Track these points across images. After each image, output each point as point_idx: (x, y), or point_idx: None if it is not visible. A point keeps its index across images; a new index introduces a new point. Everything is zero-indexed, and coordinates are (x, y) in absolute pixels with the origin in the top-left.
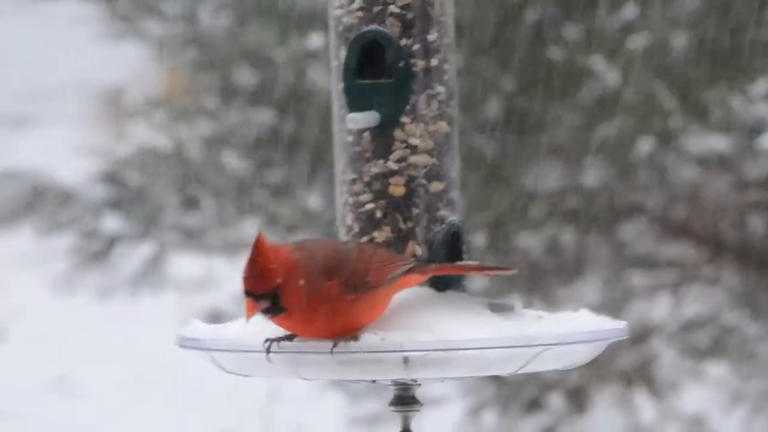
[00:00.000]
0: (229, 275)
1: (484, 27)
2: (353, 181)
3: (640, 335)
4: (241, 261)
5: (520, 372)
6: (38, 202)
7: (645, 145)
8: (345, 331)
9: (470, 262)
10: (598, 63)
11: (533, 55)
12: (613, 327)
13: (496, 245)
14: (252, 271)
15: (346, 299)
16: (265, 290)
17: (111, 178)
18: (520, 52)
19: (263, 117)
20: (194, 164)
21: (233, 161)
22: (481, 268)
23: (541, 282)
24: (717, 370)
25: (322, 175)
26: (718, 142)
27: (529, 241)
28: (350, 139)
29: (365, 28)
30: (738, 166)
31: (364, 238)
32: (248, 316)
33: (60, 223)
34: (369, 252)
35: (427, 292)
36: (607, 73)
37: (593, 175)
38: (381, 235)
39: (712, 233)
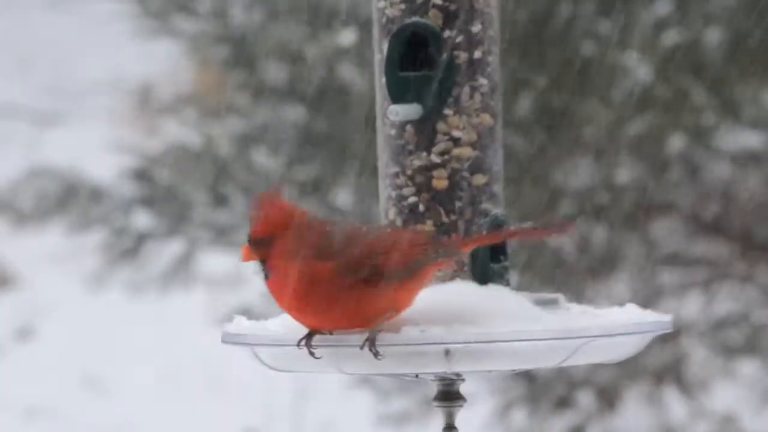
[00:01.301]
0: (258, 273)
1: (517, 23)
2: (396, 175)
3: (671, 333)
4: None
5: (563, 365)
6: (69, 199)
7: (677, 142)
8: (351, 321)
9: (520, 226)
10: (630, 59)
11: (566, 51)
12: (657, 320)
13: (527, 242)
14: (255, 214)
15: (341, 284)
16: (257, 236)
17: (141, 175)
18: (552, 48)
19: (293, 114)
20: (224, 161)
21: (263, 158)
22: (534, 231)
23: (572, 279)
24: (748, 368)
25: (351, 172)
26: (750, 139)
27: (560, 239)
28: (393, 132)
29: (407, 20)
30: None
31: None
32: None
33: (91, 220)
34: (394, 236)
35: (469, 285)
36: (639, 69)
37: (624, 171)
38: (424, 228)
39: (744, 231)
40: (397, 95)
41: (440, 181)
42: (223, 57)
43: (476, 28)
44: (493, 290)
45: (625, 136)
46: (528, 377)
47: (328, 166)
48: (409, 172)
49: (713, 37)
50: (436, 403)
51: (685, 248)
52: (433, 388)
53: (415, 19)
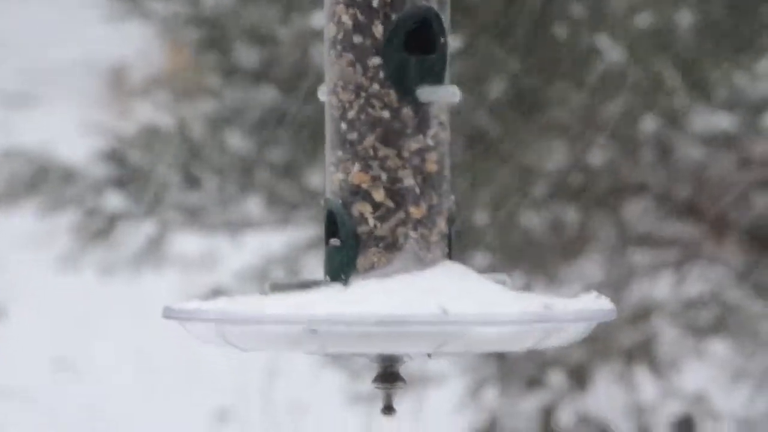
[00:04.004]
0: (231, 254)
1: (489, 5)
2: (386, 158)
3: (642, 313)
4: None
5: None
6: (41, 180)
7: (649, 124)
8: None
9: None
10: (603, 41)
11: (538, 34)
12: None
13: (498, 223)
14: None
15: None
16: None
17: (114, 156)
18: (524, 31)
19: (266, 96)
20: (197, 143)
21: (236, 140)
22: None
23: (544, 260)
24: (719, 348)
25: (324, 154)
26: (722, 121)
27: (532, 220)
28: (387, 114)
29: (413, 3)
30: (742, 144)
31: (400, 214)
32: None
33: (63, 202)
34: None
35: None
36: (612, 52)
37: (597, 153)
38: (418, 211)
39: (716, 212)
40: (399, 78)
41: (432, 164)
42: (195, 39)
43: (446, 13)
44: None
45: (598, 118)
46: (499, 357)
47: (302, 149)
48: (405, 154)
49: (685, 19)
50: (375, 385)
51: (656, 229)
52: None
53: (421, 2)
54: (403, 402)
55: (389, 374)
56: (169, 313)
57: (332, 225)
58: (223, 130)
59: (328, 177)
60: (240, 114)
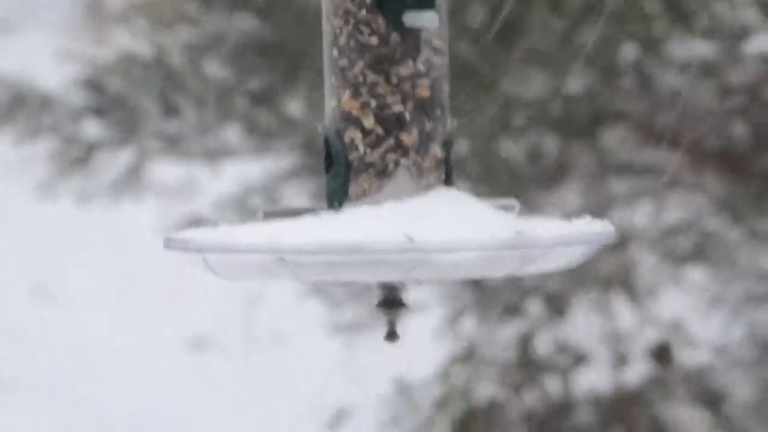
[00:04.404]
0: (210, 182)
1: None
2: (374, 84)
3: (620, 241)
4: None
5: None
6: (19, 107)
7: (629, 52)
8: None
9: None
10: None
11: None
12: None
13: (478, 152)
14: None
15: None
16: None
17: (91, 84)
18: None
19: (244, 23)
20: (175, 71)
21: (214, 68)
22: None
23: (523, 189)
24: (696, 275)
25: (303, 82)
26: (702, 48)
27: (511, 149)
28: (375, 41)
29: None
30: (722, 71)
31: (390, 141)
32: None
33: (40, 129)
34: None
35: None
36: None
37: (576, 82)
38: (409, 137)
39: (695, 139)
40: (385, 3)
41: (424, 90)
42: None
43: None
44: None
45: (577, 46)
46: (477, 285)
47: (280, 77)
48: (394, 80)
49: None
50: (378, 311)
51: (636, 157)
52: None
53: None
54: (380, 331)
55: (391, 300)
56: (168, 243)
57: (329, 152)
58: (201, 57)
59: (325, 104)
60: (218, 41)
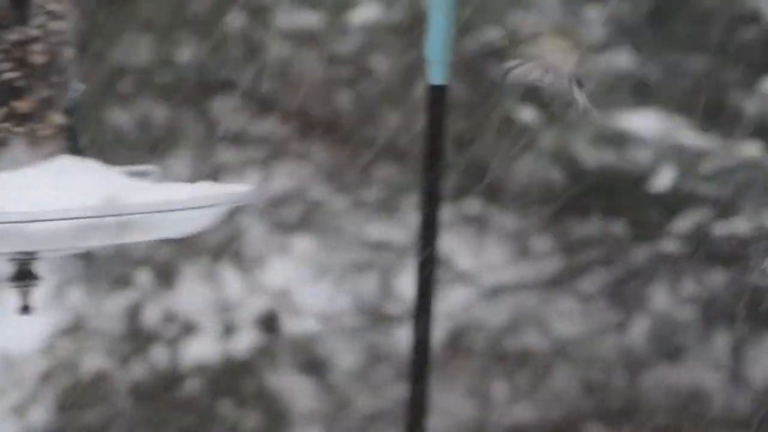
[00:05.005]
0: None
1: None
2: None
3: (229, 210)
4: None
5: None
6: None
7: (236, 20)
8: None
9: None
10: None
11: None
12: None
13: (89, 120)
14: None
15: None
16: None
17: None
18: None
19: None
20: None
21: None
22: None
23: (132, 158)
24: (303, 244)
25: None
26: (308, 18)
27: (120, 117)
28: None
29: None
30: (326, 41)
31: (3, 109)
32: None
33: None
34: None
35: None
36: None
37: (184, 50)
38: (24, 104)
39: (301, 109)
40: None
41: (38, 56)
42: None
43: None
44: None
45: (185, 14)
46: (85, 257)
47: None
48: (6, 46)
49: None
50: (10, 284)
51: (245, 127)
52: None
53: None
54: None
55: (24, 272)
56: None
57: None
58: None
59: None
60: None
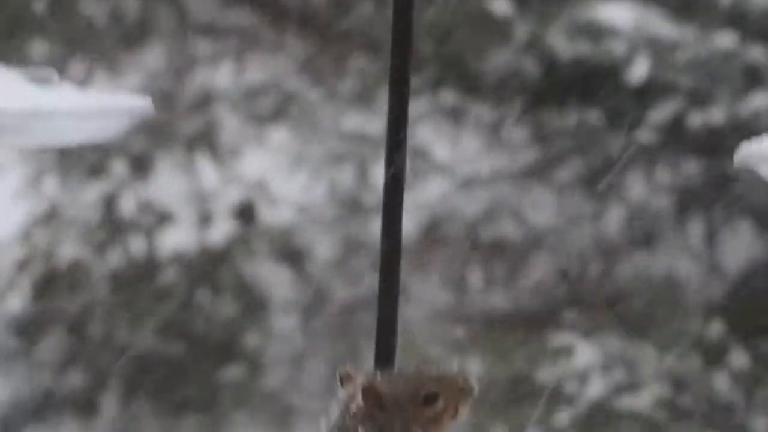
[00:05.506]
0: None
1: None
2: None
3: (203, 101)
4: None
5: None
6: None
7: None
8: None
9: None
10: None
11: None
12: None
13: (59, 12)
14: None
15: None
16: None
17: None
18: None
19: None
20: None
21: None
22: None
23: (105, 49)
24: (279, 135)
25: None
26: None
27: (94, 9)
28: None
29: None
30: None
31: None
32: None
33: None
34: None
35: None
36: None
37: None
38: None
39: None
40: None
41: None
42: None
43: None
44: None
45: None
46: (59, 147)
47: None
48: None
49: None
50: None
51: (218, 18)
52: None
53: None
54: None
55: None
56: None
57: None
58: None
59: None
60: None
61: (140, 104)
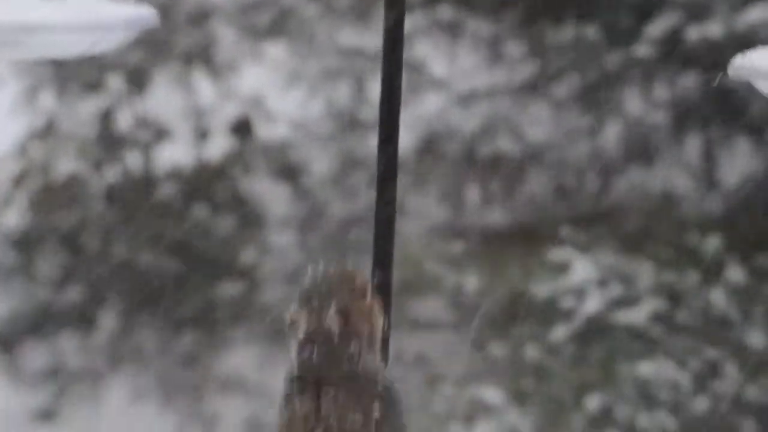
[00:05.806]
0: None
1: None
2: None
3: (200, 16)
4: None
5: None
6: None
7: None
8: None
9: None
10: None
11: None
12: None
13: None
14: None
15: None
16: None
17: None
18: None
19: None
20: None
21: None
22: None
23: None
24: (276, 50)
25: None
26: None
27: None
28: None
29: None
30: None
31: None
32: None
33: None
34: None
35: None
36: None
37: None
38: None
39: None
40: None
41: None
42: None
43: None
44: None
45: None
46: (56, 61)
47: None
48: None
49: None
50: None
51: None
52: None
53: None
54: None
55: None
56: None
57: None
58: None
59: None
60: None
61: (144, 15)
